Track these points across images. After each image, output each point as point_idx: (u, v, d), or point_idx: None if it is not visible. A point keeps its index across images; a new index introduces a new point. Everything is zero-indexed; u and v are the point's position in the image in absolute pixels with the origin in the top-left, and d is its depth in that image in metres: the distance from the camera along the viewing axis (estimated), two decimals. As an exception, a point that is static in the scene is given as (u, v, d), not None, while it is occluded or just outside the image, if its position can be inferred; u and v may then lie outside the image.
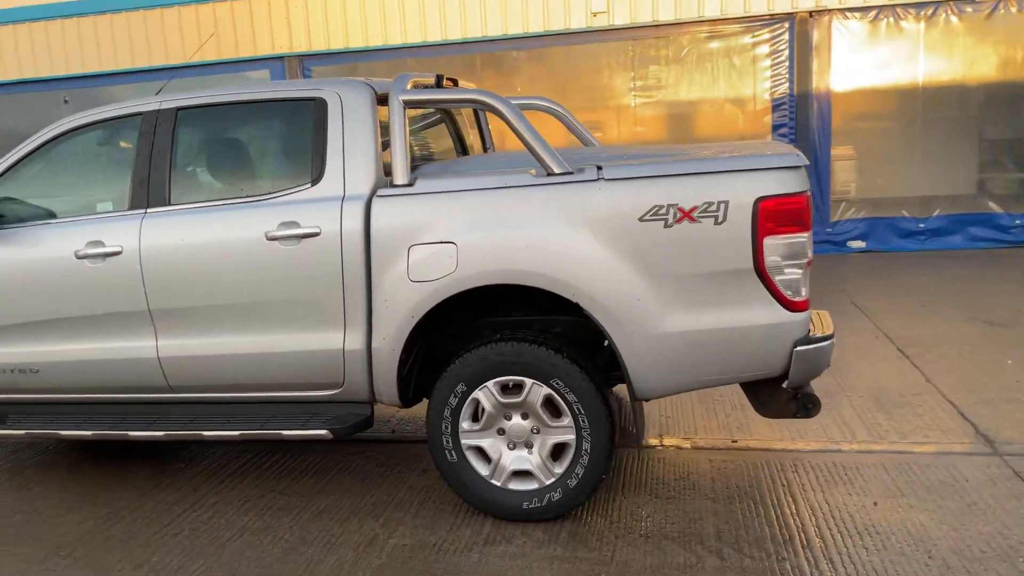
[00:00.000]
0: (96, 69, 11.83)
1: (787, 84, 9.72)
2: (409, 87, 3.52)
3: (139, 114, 3.77)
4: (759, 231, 3.05)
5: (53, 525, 3.69)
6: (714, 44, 10.09)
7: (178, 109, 3.73)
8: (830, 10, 9.47)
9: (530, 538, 3.31)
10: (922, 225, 9.67)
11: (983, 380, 4.84)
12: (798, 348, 3.14)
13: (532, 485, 3.41)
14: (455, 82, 4.25)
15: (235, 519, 3.64)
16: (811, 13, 9.52)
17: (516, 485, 3.43)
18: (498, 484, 3.43)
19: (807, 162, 3.15)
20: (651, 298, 3.16)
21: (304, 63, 11.19)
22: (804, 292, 3.15)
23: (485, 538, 3.34)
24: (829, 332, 3.28)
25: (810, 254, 3.13)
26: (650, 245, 3.14)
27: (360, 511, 3.64)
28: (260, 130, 3.77)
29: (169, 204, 3.66)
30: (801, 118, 9.78)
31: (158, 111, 3.74)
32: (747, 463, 3.90)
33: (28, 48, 12.10)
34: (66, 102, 12.13)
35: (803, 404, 3.42)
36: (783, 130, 9.82)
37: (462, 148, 4.89)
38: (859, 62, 9.56)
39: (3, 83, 12.23)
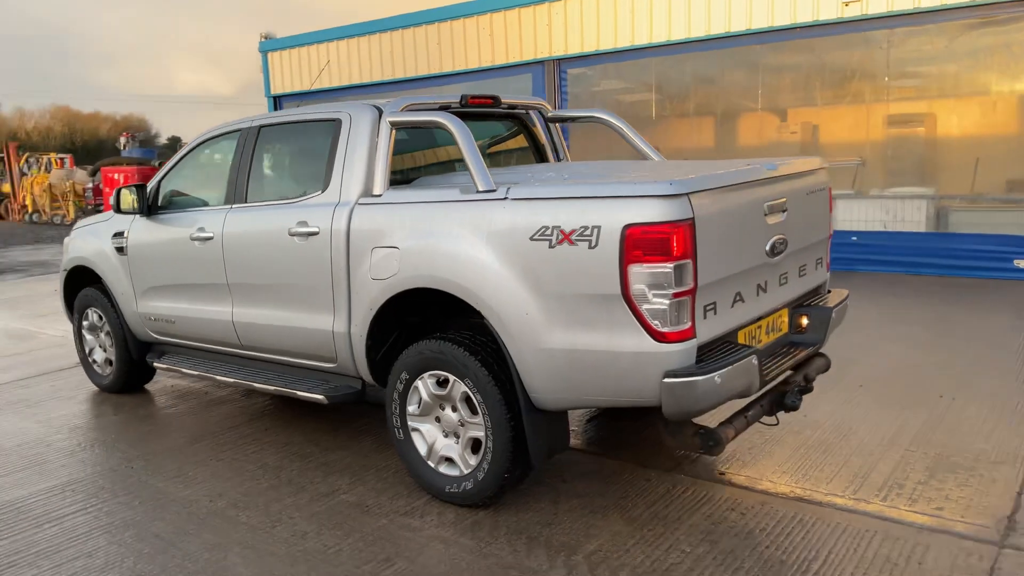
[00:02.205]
0: (391, 77, 13.83)
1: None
2: (401, 110, 4.03)
3: (239, 130, 4.81)
4: (625, 258, 3.03)
5: (177, 433, 4.96)
6: (986, 31, 8.65)
7: (260, 127, 4.69)
8: None
9: (439, 517, 3.68)
10: None
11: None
12: (666, 380, 3.05)
13: (455, 472, 3.76)
14: (496, 100, 4.60)
15: (265, 457, 4.53)
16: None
17: (445, 469, 3.80)
18: (432, 465, 3.83)
19: (684, 190, 3.01)
20: (538, 313, 3.30)
21: (561, 66, 11.90)
22: (678, 323, 3.04)
23: (407, 510, 3.78)
24: (720, 369, 3.09)
25: (683, 285, 3.01)
26: (538, 263, 3.28)
27: (347, 469, 4.29)
28: (301, 145, 4.55)
29: (245, 202, 4.64)
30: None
31: (249, 128, 4.74)
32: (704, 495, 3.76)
33: (336, 60, 14.56)
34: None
35: (705, 440, 3.29)
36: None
37: (539, 155, 5.20)
38: None
39: (325, 90, 14.89)
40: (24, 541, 3.64)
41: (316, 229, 4.11)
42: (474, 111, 4.73)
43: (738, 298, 3.37)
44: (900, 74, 9.55)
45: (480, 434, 3.61)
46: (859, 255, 9.67)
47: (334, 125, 4.23)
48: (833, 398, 5.04)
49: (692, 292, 3.05)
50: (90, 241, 5.73)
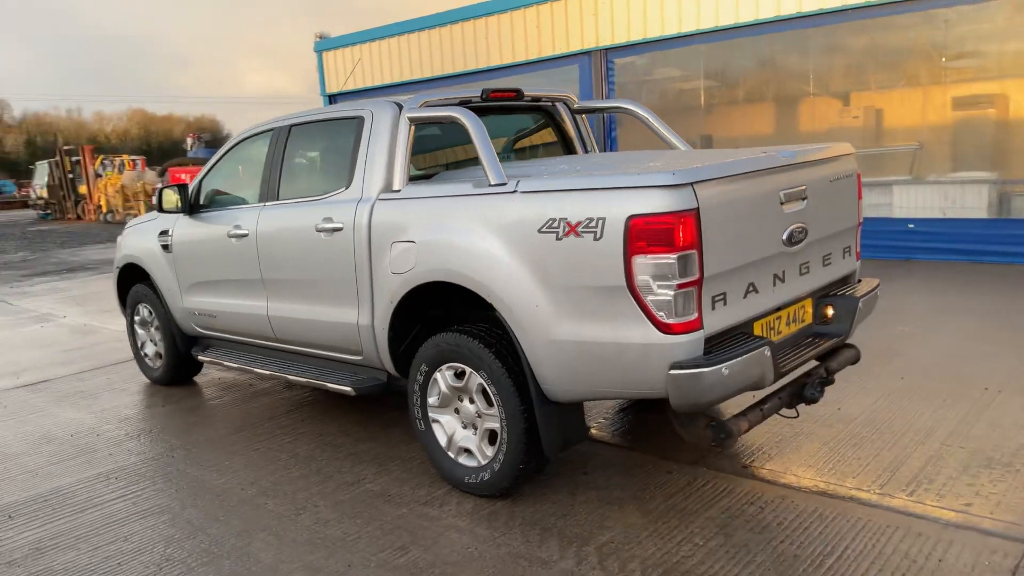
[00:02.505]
0: (441, 72, 13.93)
1: None
2: (419, 106, 4.09)
3: (272, 129, 4.94)
4: (629, 249, 3.01)
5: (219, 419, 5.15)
6: (1050, 6, 8.24)
7: (291, 126, 4.81)
8: None
9: (457, 507, 3.74)
10: None
11: None
12: (671, 372, 3.03)
13: (473, 463, 3.81)
14: (518, 93, 4.62)
15: (298, 447, 4.67)
16: None
17: (464, 460, 3.85)
18: (452, 456, 3.89)
19: (688, 180, 2.97)
20: (547, 305, 3.31)
21: (608, 56, 11.82)
22: (683, 314, 3.02)
23: (427, 499, 3.84)
24: (727, 360, 3.05)
25: (687, 276, 2.98)
26: (546, 256, 3.29)
27: (374, 460, 4.39)
28: (328, 142, 4.64)
29: (278, 199, 4.77)
30: None
31: (281, 127, 4.87)
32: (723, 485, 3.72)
33: (388, 57, 14.74)
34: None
35: (717, 432, 3.26)
36: None
37: (567, 148, 5.19)
38: None
39: (379, 87, 15.09)
40: (67, 525, 3.84)
41: (340, 225, 4.20)
42: (499, 105, 4.77)
43: (751, 288, 3.32)
44: (960, 54, 9.17)
45: (496, 425, 3.65)
46: (916, 243, 9.34)
47: (357, 122, 4.31)
48: (872, 391, 4.91)
49: (698, 283, 3.02)
50: (139, 240, 5.98)
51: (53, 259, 16.37)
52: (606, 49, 11.86)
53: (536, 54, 12.65)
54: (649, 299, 3.02)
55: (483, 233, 3.51)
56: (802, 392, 3.59)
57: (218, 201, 5.33)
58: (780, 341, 3.60)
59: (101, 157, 31.30)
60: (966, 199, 9.10)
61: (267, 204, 4.81)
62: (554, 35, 12.36)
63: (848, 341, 4.13)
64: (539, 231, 3.29)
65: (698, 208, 2.99)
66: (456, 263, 3.61)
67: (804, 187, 3.55)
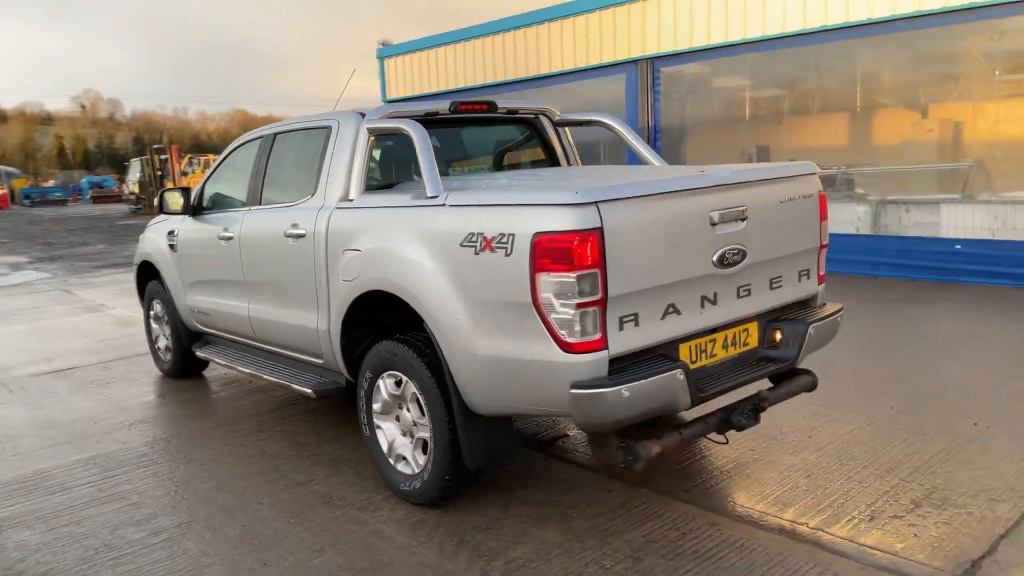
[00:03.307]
0: (493, 80, 14.05)
1: None
2: (380, 117, 4.17)
3: (261, 136, 5.12)
4: (534, 266, 3.00)
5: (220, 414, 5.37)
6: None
7: (276, 134, 4.97)
8: None
9: (389, 514, 3.78)
10: None
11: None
12: (572, 391, 3.00)
13: (409, 470, 3.85)
14: (491, 105, 4.65)
15: (267, 446, 4.81)
16: None
17: (401, 467, 3.90)
18: (391, 462, 3.94)
19: (591, 199, 2.94)
20: (467, 319, 3.33)
21: (654, 65, 11.69)
22: (585, 334, 2.98)
23: (364, 504, 3.91)
24: (630, 382, 3.00)
25: (588, 296, 2.94)
26: (466, 269, 3.31)
27: (332, 462, 4.48)
28: (302, 151, 4.75)
29: (260, 204, 4.94)
30: None
31: (267, 135, 5.04)
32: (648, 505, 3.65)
33: (446, 64, 14.93)
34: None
35: (625, 454, 3.21)
36: None
37: (551, 159, 5.19)
38: None
39: (434, 93, 15.30)
40: (33, 506, 4.08)
41: (304, 232, 4.32)
42: (478, 117, 4.81)
43: (671, 310, 3.25)
44: (1018, 66, 8.67)
45: (427, 435, 3.68)
46: (962, 265, 8.87)
47: (326, 132, 4.42)
48: (854, 419, 4.71)
49: (600, 303, 2.98)
50: (153, 239, 6.28)
51: (127, 252, 17.25)
52: (652, 58, 11.72)
53: (584, 63, 12.61)
54: (552, 317, 3.00)
55: (415, 245, 3.56)
56: (730, 418, 3.49)
57: (216, 204, 5.55)
58: (712, 364, 3.51)
59: (188, 156, 32.82)
60: (1018, 220, 8.58)
61: (251, 208, 4.99)
62: (602, 44, 12.30)
63: (804, 367, 4.01)
64: (460, 245, 3.32)
65: (601, 227, 2.95)
66: (392, 273, 3.67)
67: (743, 208, 3.45)
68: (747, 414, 3.50)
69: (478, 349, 3.30)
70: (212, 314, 5.53)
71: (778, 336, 3.74)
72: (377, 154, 4.53)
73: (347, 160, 4.21)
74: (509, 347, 3.18)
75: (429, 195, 3.59)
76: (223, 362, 5.43)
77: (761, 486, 3.88)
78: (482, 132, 5.09)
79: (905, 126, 9.76)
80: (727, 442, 3.84)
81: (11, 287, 12.64)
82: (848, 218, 9.89)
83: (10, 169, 69.47)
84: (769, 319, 3.77)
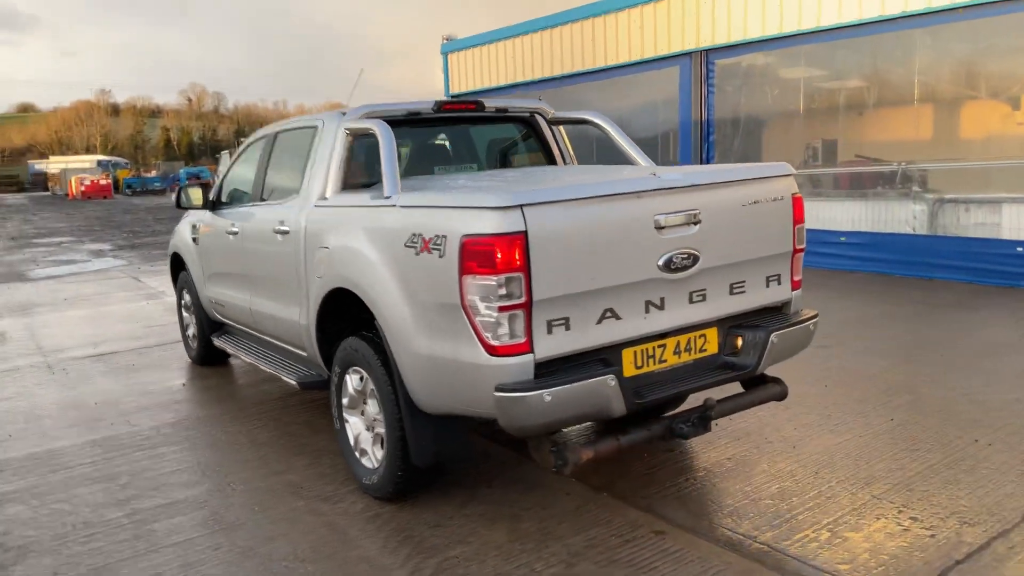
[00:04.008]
0: (549, 74, 14.00)
1: None
2: (359, 117, 4.24)
3: (267, 135, 5.29)
4: (462, 269, 3.01)
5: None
6: None
7: (277, 133, 5.12)
8: None
9: (349, 506, 3.87)
10: None
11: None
12: (495, 394, 3.00)
13: (370, 464, 3.92)
14: (479, 104, 4.66)
15: (261, 435, 4.98)
16: None
17: (365, 461, 3.97)
18: (356, 456, 4.03)
19: (515, 202, 2.92)
20: (410, 318, 3.37)
21: (708, 57, 11.42)
22: (509, 337, 2.97)
23: (328, 495, 4.01)
24: (554, 387, 2.97)
25: (510, 299, 2.93)
26: (409, 269, 3.34)
27: (314, 452, 4.60)
28: (294, 149, 4.87)
29: (261, 200, 5.10)
30: None
31: (270, 133, 5.20)
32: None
33: (507, 58, 14.94)
34: (540, 100, 14.62)
35: (556, 458, 3.19)
36: None
37: (548, 158, 5.16)
38: None
39: (495, 88, 15.37)
40: (34, 482, 4.36)
41: (288, 228, 4.45)
42: (467, 116, 4.83)
43: (609, 314, 3.20)
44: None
45: (384, 431, 3.74)
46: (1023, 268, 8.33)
47: (312, 131, 4.54)
48: (848, 430, 4.52)
49: (525, 306, 2.97)
50: (181, 232, 6.57)
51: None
52: (706, 50, 11.43)
53: (639, 55, 12.42)
54: (478, 320, 3.01)
55: (369, 244, 3.62)
56: (672, 426, 3.40)
57: (230, 199, 5.77)
58: (662, 370, 3.43)
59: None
60: (1086, 222, 7.99)
61: (254, 204, 5.16)
62: (656, 36, 12.08)
63: (773, 375, 3.88)
64: (405, 245, 3.36)
65: (526, 231, 2.93)
66: (350, 271, 3.75)
67: (696, 211, 3.36)
68: (693, 423, 3.41)
69: (419, 348, 3.33)
70: (226, 305, 5.75)
71: (739, 343, 3.63)
72: (363, 153, 4.61)
73: (326, 159, 4.30)
74: (443, 348, 3.20)
75: (385, 195, 3.64)
76: (232, 351, 5.65)
77: (725, 496, 3.78)
78: (478, 132, 5.11)
79: (969, 120, 9.21)
80: (673, 450, 3.75)
81: (88, 273, 13.44)
82: (904, 217, 9.43)
83: (117, 159, 73.76)
84: (732, 325, 3.66)
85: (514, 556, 3.32)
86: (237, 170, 5.80)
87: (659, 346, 3.42)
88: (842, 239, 9.92)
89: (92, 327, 8.69)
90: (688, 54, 11.66)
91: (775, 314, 3.83)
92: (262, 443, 4.82)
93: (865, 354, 6.14)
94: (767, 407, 4.87)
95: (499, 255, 2.91)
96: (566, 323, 3.09)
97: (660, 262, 3.27)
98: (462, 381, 3.15)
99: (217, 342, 6.06)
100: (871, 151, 10.13)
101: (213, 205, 5.85)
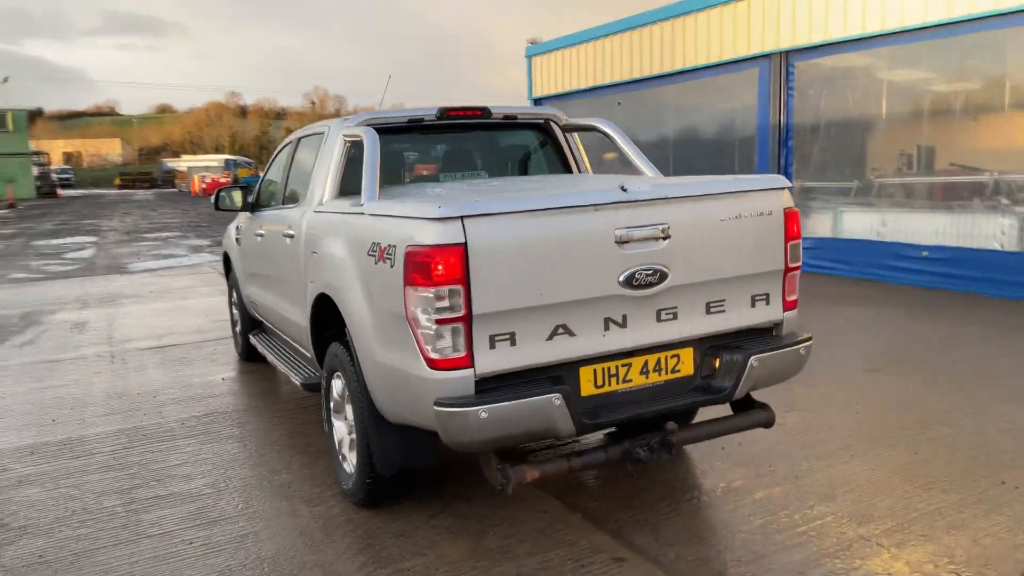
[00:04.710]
0: (629, 76, 13.77)
1: None
2: (356, 124, 4.29)
3: (291, 141, 5.43)
4: (406, 280, 2.99)
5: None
6: None
7: (299, 138, 5.24)
8: None
9: (327, 510, 3.90)
10: None
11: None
12: (434, 407, 2.96)
13: (349, 469, 3.96)
14: (485, 111, 4.62)
15: (273, 434, 5.11)
16: None
17: (345, 465, 4.01)
18: (339, 460, 4.07)
19: (454, 214, 2.86)
20: (371, 326, 3.37)
21: (789, 59, 10.96)
22: (448, 351, 2.92)
23: (311, 497, 4.06)
24: (492, 404, 2.90)
25: (448, 313, 2.87)
26: (369, 277, 3.35)
27: (316, 454, 4.67)
28: (307, 155, 4.96)
29: (282, 204, 5.24)
30: None
31: (294, 139, 5.33)
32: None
33: (591, 60, 14.79)
34: (619, 104, 14.44)
35: (501, 475, 3.11)
36: None
37: (564, 166, 5.07)
38: None
39: (576, 91, 15.26)
40: (56, 467, 4.63)
41: (293, 232, 4.55)
42: (476, 123, 4.80)
43: (561, 330, 3.09)
44: None
45: (356, 437, 3.76)
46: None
47: (320, 138, 4.62)
48: (863, 460, 4.22)
49: (464, 320, 2.91)
50: (229, 233, 6.84)
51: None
52: (786, 52, 10.95)
53: (718, 57, 12.03)
54: (419, 332, 2.98)
55: (344, 251, 3.65)
56: (630, 450, 3.25)
57: (263, 202, 5.96)
58: (626, 391, 3.29)
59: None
60: None
61: (276, 208, 5.31)
62: (736, 37, 11.66)
63: (761, 401, 3.67)
64: (367, 253, 3.37)
65: (465, 243, 2.88)
66: (330, 277, 3.79)
67: (666, 225, 3.20)
68: (652, 447, 3.25)
69: (379, 357, 3.33)
70: (258, 305, 5.95)
71: (717, 365, 3.44)
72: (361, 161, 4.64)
73: (327, 165, 4.38)
74: (394, 358, 3.19)
75: (361, 202, 3.66)
76: (260, 349, 5.83)
77: (703, 526, 3.59)
78: (491, 139, 5.07)
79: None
80: (632, 475, 3.58)
81: (181, 268, 14.23)
82: (991, 231, 8.72)
83: (239, 158, 77.71)
84: (711, 346, 3.47)
85: (464, 573, 3.26)
86: (271, 173, 5.99)
87: (623, 365, 3.28)
88: (924, 254, 9.28)
89: (166, 320, 9.18)
90: (767, 56, 11.21)
91: (764, 336, 3.61)
92: (271, 441, 4.95)
93: (914, 380, 5.71)
94: (785, 433, 4.64)
95: (438, 267, 2.87)
96: (511, 338, 3.02)
97: (621, 278, 3.13)
98: (409, 393, 3.13)
99: (252, 339, 6.27)
100: (961, 158, 9.42)
101: (252, 207, 6.05)
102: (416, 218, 2.98)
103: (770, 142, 11.29)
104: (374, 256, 3.29)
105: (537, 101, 16.86)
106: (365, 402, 3.52)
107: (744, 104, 11.78)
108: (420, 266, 2.91)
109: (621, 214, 3.14)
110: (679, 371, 3.41)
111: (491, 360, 2.99)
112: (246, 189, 6.08)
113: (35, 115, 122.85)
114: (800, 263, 3.63)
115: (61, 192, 54.28)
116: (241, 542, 3.62)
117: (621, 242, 3.12)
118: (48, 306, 10.38)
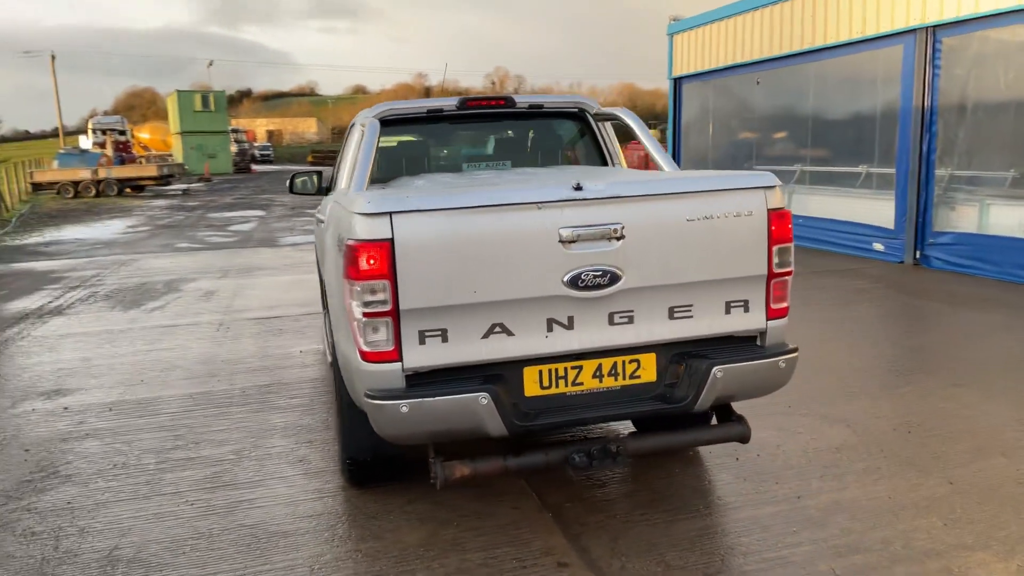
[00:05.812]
0: (770, 54, 13.00)
1: None
2: (374, 115, 4.41)
3: (351, 126, 5.64)
4: (346, 272, 3.07)
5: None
6: None
7: (353, 125, 5.45)
8: None
9: (322, 485, 4.10)
10: None
11: None
12: (364, 398, 3.03)
13: (343, 449, 4.13)
14: (508, 100, 4.58)
15: (306, 420, 5.40)
16: None
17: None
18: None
19: (381, 209, 2.88)
20: (335, 315, 3.50)
21: (935, 34, 9.94)
22: (376, 344, 2.97)
23: (321, 472, 4.26)
24: (413, 399, 2.92)
25: (373, 307, 2.92)
26: (334, 268, 3.46)
27: (332, 428, 4.89)
28: (348, 143, 5.13)
29: (326, 191, 5.48)
30: None
31: (351, 125, 5.54)
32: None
33: (730, 37, 14.08)
34: (758, 83, 13.69)
35: (433, 470, 3.14)
36: None
37: (600, 157, 4.94)
38: None
39: (715, 69, 14.59)
40: (121, 423, 5.15)
41: (323, 219, 4.76)
42: (503, 112, 4.79)
43: (499, 329, 3.05)
44: None
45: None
46: None
47: (354, 127, 4.79)
48: (884, 489, 3.85)
49: (391, 314, 2.95)
50: (317, 215, 7.23)
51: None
52: (933, 27, 9.89)
53: (860, 33, 11.07)
54: (354, 324, 3.06)
55: (329, 241, 3.79)
56: (567, 455, 3.16)
57: (333, 186, 6.24)
58: (577, 394, 3.20)
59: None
60: None
61: (331, 193, 5.57)
62: (879, 11, 10.67)
63: (738, 413, 3.44)
64: (336, 244, 3.48)
65: (392, 239, 2.91)
66: (326, 272, 3.96)
67: (619, 226, 3.06)
68: (593, 454, 3.14)
69: (340, 345, 3.46)
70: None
71: (680, 374, 3.26)
72: (393, 150, 4.76)
73: (352, 154, 4.53)
74: (346, 348, 3.29)
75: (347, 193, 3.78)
76: (325, 326, 6.15)
77: (668, 540, 3.43)
78: (520, 128, 5.02)
79: None
80: (574, 481, 3.46)
81: (308, 244, 15.15)
82: None
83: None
84: (678, 352, 3.29)
85: (407, 561, 3.33)
86: (340, 158, 6.26)
87: (573, 367, 3.19)
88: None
89: (284, 292, 9.85)
90: (912, 31, 10.17)
91: (745, 345, 3.37)
92: (300, 427, 5.08)
93: (995, 399, 5.08)
94: (813, 447, 4.32)
95: (367, 261, 2.93)
96: (443, 335, 3.02)
97: (565, 279, 3.04)
98: (352, 383, 3.22)
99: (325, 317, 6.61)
100: None
101: (326, 191, 6.36)
102: (352, 213, 3.04)
103: (912, 126, 10.28)
104: (338, 247, 3.39)
105: (677, 80, 16.31)
106: (340, 388, 3.66)
107: (886, 84, 10.79)
108: (353, 260, 2.98)
109: (567, 213, 3.04)
110: (639, 377, 3.27)
111: (421, 355, 3.02)
112: (319, 174, 6.39)
113: (244, 95, 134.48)
114: (791, 268, 3.34)
115: (255, 168, 59.19)
116: (234, 509, 3.88)
117: (566, 241, 3.03)
118: (191, 275, 11.44)
